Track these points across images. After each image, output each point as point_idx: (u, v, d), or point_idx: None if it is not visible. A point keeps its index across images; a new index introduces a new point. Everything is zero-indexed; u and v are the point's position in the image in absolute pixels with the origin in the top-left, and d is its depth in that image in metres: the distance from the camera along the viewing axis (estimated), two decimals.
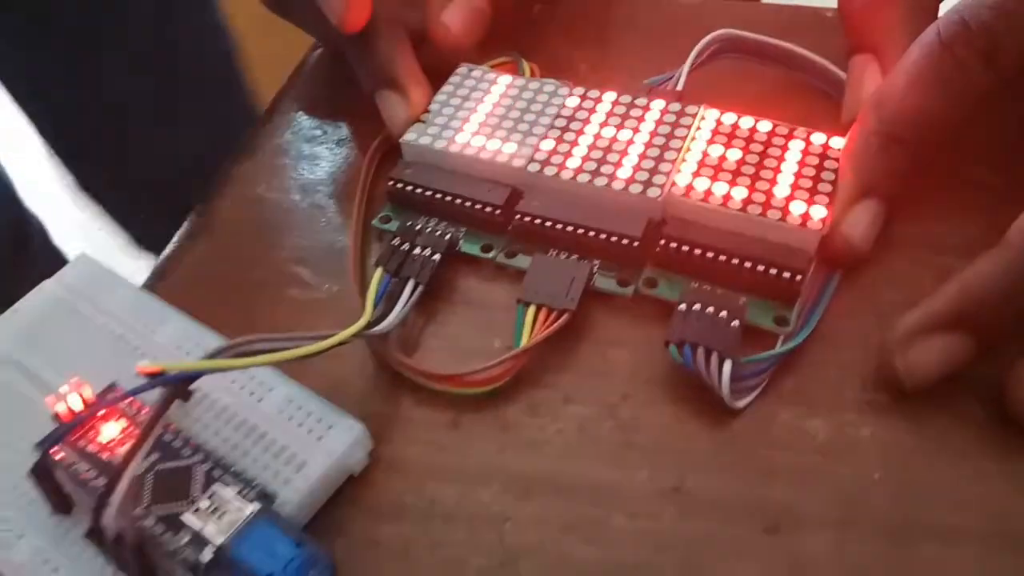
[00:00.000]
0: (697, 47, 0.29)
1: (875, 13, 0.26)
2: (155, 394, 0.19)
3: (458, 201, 0.26)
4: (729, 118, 0.26)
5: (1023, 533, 0.19)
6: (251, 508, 0.18)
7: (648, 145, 0.25)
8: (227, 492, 0.18)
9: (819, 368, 0.22)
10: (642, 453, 0.21)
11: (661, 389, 0.22)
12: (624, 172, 0.25)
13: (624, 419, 0.22)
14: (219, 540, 0.18)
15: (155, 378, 0.19)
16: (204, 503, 0.18)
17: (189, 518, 0.18)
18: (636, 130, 0.26)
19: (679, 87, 0.28)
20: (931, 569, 0.19)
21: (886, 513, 0.20)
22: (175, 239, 0.28)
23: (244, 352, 0.20)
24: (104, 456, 0.20)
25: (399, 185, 0.27)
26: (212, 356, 0.20)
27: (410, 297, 0.24)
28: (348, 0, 0.26)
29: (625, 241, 0.24)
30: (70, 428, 0.19)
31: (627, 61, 0.32)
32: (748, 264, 0.23)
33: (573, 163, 0.25)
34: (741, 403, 0.21)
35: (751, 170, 0.24)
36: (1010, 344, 0.21)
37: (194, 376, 0.19)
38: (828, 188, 0.24)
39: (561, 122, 0.27)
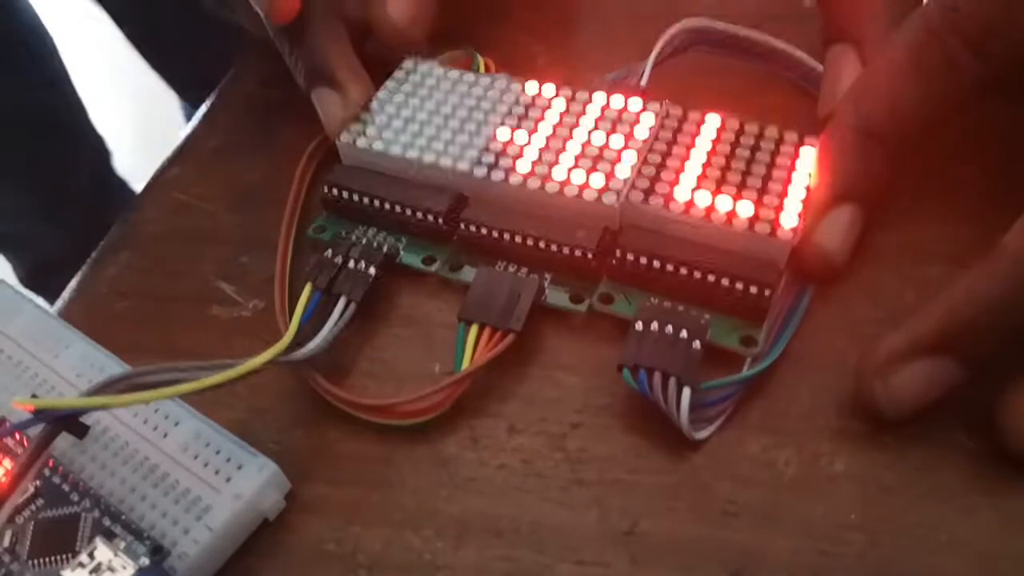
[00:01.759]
0: (663, 39, 0.26)
1: None
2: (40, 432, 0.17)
3: (398, 209, 0.24)
4: (695, 116, 0.24)
5: None
6: (134, 568, 0.16)
7: (604, 147, 0.23)
8: (108, 550, 0.16)
9: (790, 393, 0.20)
10: (592, 491, 0.19)
11: (615, 418, 0.20)
12: (578, 177, 0.22)
13: (573, 451, 0.20)
14: None
15: (37, 414, 0.17)
16: (84, 559, 0.16)
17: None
18: (593, 130, 0.24)
19: (643, 82, 0.26)
20: None
21: (863, 559, 0.17)
22: (96, 250, 0.26)
23: (140, 385, 0.18)
24: None
25: (334, 191, 0.24)
26: (102, 388, 0.17)
27: (340, 316, 0.22)
28: None
29: (579, 253, 0.22)
30: None
31: (590, 54, 0.30)
32: (712, 278, 0.20)
33: (523, 167, 0.23)
34: (702, 434, 0.19)
35: (717, 174, 0.22)
36: (1001, 364, 0.18)
37: (76, 413, 0.17)
38: (801, 193, 0.21)
39: (512, 122, 0.24)
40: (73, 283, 0.25)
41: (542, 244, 0.22)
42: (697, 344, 0.19)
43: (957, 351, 0.18)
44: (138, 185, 0.76)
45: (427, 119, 0.25)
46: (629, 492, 0.19)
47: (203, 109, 0.30)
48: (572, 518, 0.19)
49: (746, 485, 0.19)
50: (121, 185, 0.75)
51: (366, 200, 0.24)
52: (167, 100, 0.76)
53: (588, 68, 0.28)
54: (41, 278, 0.70)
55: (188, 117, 0.73)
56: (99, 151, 0.72)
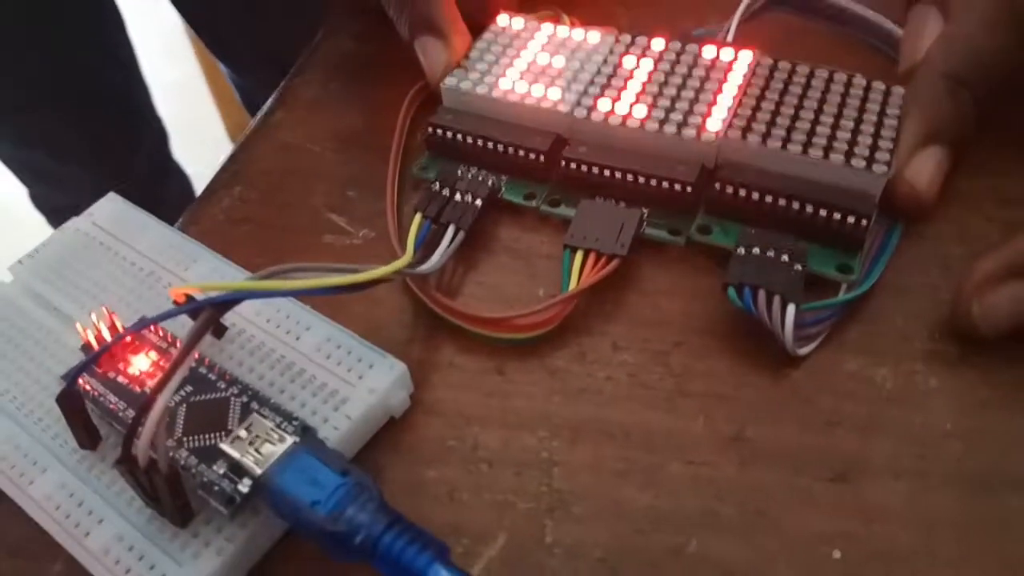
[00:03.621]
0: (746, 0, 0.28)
1: None
2: (190, 326, 0.18)
3: (500, 148, 0.25)
4: (785, 65, 0.25)
5: None
6: (291, 439, 0.17)
7: (699, 91, 0.24)
8: (266, 423, 0.17)
9: (884, 318, 0.21)
10: (698, 401, 0.20)
11: (715, 339, 0.21)
12: (676, 117, 0.24)
13: (677, 368, 0.21)
14: (258, 471, 0.17)
15: (190, 302, 0.18)
16: (242, 433, 0.17)
17: (226, 448, 0.17)
18: (688, 76, 0.25)
19: (729, 38, 0.27)
20: (1015, 519, 0.17)
21: (961, 463, 0.18)
22: (207, 186, 0.27)
23: (282, 278, 0.19)
24: (134, 388, 0.19)
25: (439, 131, 0.26)
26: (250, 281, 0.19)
27: (451, 242, 0.23)
28: None
29: (678, 187, 0.23)
30: (99, 355, 0.19)
31: (670, 16, 0.31)
32: (809, 209, 0.22)
33: (621, 108, 0.24)
34: (804, 350, 0.20)
35: (810, 115, 0.23)
36: None
37: (232, 299, 0.18)
38: (892, 133, 0.23)
39: (608, 69, 0.26)
40: (187, 213, 0.26)
41: (642, 179, 0.23)
42: (799, 267, 0.21)
43: None
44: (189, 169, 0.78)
45: (525, 67, 0.26)
46: (734, 403, 0.20)
47: (295, 66, 0.32)
48: (680, 424, 0.20)
49: (846, 398, 0.20)
50: (178, 169, 0.77)
51: (469, 139, 0.25)
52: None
53: (669, 28, 0.29)
54: None
55: (244, 96, 0.75)
56: (159, 133, 0.74)
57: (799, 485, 0.18)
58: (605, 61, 0.26)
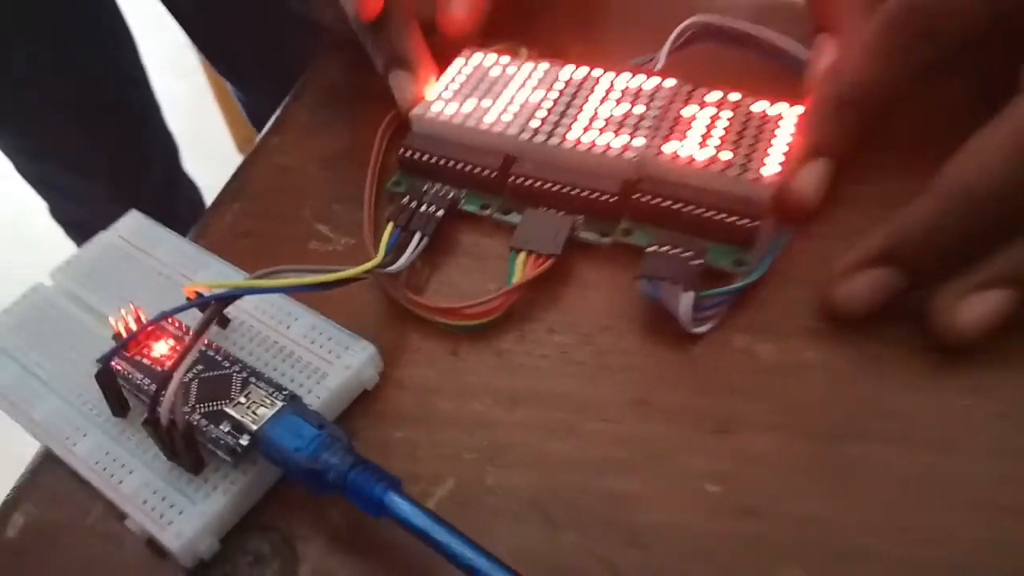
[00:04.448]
0: (675, 31, 0.32)
1: None
2: (200, 317, 0.23)
3: (460, 166, 0.29)
4: (701, 91, 0.29)
5: (944, 437, 0.22)
6: (280, 403, 0.22)
7: (627, 115, 0.29)
8: (261, 392, 0.22)
9: (771, 303, 0.25)
10: (614, 373, 0.24)
11: (632, 322, 0.26)
12: (605, 139, 0.28)
13: (600, 346, 0.25)
14: (254, 427, 0.21)
15: (200, 298, 0.23)
16: (242, 400, 0.22)
17: (230, 411, 0.22)
18: (620, 100, 0.29)
19: (658, 66, 0.32)
20: (860, 463, 0.22)
21: (823, 420, 0.23)
22: (213, 201, 0.32)
23: (274, 278, 0.23)
24: (156, 367, 0.23)
25: (409, 153, 0.30)
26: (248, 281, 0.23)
27: (416, 247, 0.27)
28: None
29: (605, 197, 0.27)
30: (128, 342, 0.23)
31: (613, 46, 0.35)
32: (711, 213, 0.26)
33: (560, 131, 0.29)
34: (700, 329, 0.25)
35: (719, 133, 0.28)
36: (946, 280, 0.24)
37: (233, 295, 0.22)
38: (784, 148, 0.27)
39: (553, 95, 0.30)
40: (196, 227, 0.31)
41: (576, 191, 0.28)
42: (698, 261, 0.25)
43: (898, 262, 0.23)
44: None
45: (483, 95, 0.31)
46: (643, 373, 0.24)
47: (291, 95, 0.36)
48: (598, 392, 0.24)
49: (734, 369, 0.24)
50: (189, 182, 0.83)
51: (434, 160, 0.30)
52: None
53: (614, 57, 0.33)
54: None
55: (248, 111, 0.80)
56: (171, 148, 0.79)
57: (687, 436, 0.23)
58: (551, 88, 0.30)
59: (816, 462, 0.22)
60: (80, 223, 0.79)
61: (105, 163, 0.72)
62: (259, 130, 0.36)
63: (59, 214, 0.80)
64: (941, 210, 0.23)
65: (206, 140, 0.93)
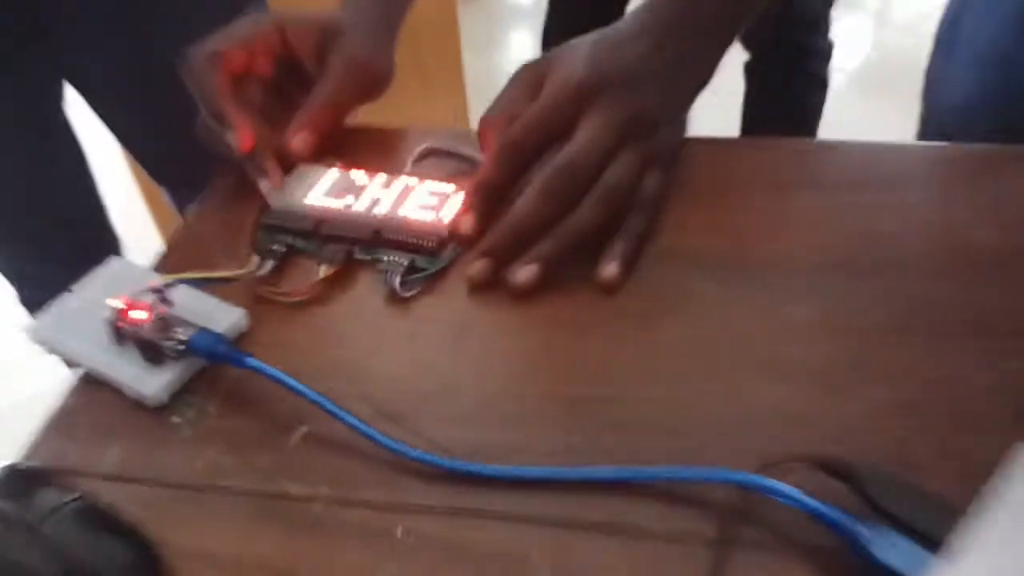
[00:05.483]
0: (417, 150, 0.60)
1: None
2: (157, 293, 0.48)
3: (296, 226, 0.56)
4: (412, 180, 0.57)
5: (591, 380, 0.48)
6: (196, 330, 0.47)
7: (382, 195, 0.56)
8: (189, 328, 0.47)
9: (446, 281, 0.52)
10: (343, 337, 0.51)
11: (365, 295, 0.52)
12: (359, 206, 0.55)
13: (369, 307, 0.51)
14: (185, 338, 0.46)
15: (155, 289, 0.48)
16: (180, 329, 0.47)
17: (177, 333, 0.47)
18: (382, 186, 0.56)
19: (407, 169, 0.59)
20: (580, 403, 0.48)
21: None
22: (163, 250, 0.57)
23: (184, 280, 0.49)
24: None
25: (268, 220, 0.56)
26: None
27: (270, 263, 0.53)
28: (239, 136, 0.56)
29: (364, 235, 0.54)
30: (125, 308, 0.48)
31: (382, 163, 0.63)
32: (412, 240, 0.53)
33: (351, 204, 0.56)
34: (407, 294, 0.51)
35: (424, 199, 0.55)
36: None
37: (171, 284, 0.48)
38: (456, 205, 0.54)
39: (349, 187, 0.57)
40: (158, 261, 0.56)
41: (353, 235, 0.54)
42: (405, 263, 0.52)
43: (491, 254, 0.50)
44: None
45: (308, 189, 0.57)
46: (375, 319, 0.50)
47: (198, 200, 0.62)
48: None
49: (426, 320, 0.50)
50: None
51: (282, 225, 0.56)
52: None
53: (384, 167, 0.61)
54: None
55: (177, 205, 1.05)
56: (115, 243, 1.03)
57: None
58: (349, 185, 0.57)
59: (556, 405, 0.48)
60: (34, 302, 1.02)
61: (59, 251, 0.95)
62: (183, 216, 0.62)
63: (30, 305, 1.02)
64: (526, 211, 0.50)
65: (144, 242, 1.18)
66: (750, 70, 1.63)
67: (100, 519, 0.39)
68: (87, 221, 0.97)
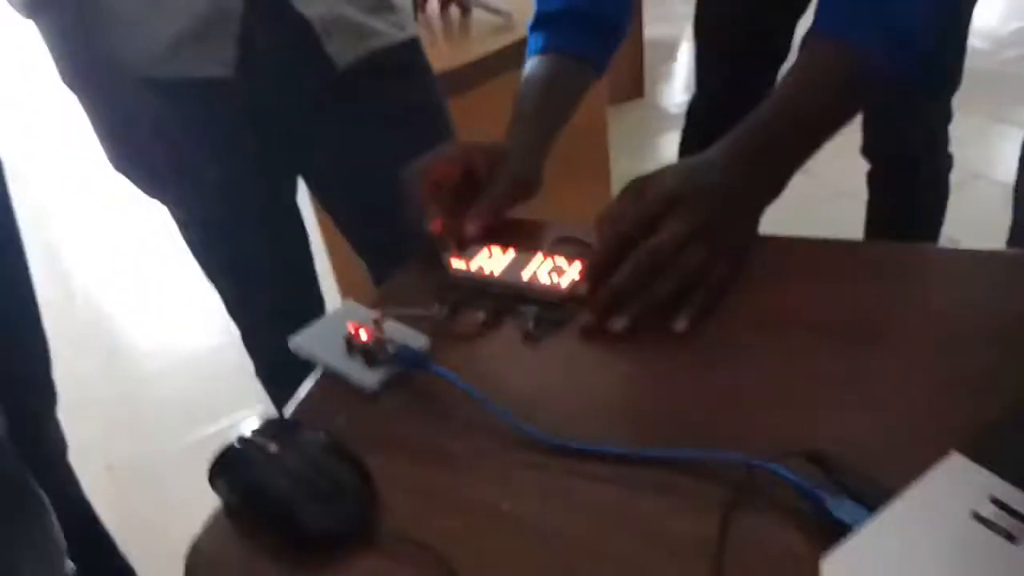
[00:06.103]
0: (551, 237, 0.84)
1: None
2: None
3: (470, 287, 0.80)
4: (555, 258, 0.80)
5: (657, 399, 0.70)
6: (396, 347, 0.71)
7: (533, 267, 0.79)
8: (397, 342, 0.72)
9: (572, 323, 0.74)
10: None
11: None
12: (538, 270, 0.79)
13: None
14: (393, 352, 0.70)
15: (374, 320, 0.73)
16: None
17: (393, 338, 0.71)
18: (526, 262, 0.80)
19: (543, 250, 0.83)
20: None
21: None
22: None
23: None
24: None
25: (450, 280, 0.81)
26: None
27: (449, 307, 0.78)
28: (433, 223, 0.82)
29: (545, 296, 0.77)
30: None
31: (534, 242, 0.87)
32: (544, 298, 0.75)
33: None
34: (538, 335, 0.73)
35: (549, 268, 0.78)
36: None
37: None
38: (574, 276, 0.76)
39: (508, 260, 0.81)
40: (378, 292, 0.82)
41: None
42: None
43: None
44: None
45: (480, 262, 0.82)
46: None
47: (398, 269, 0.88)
48: None
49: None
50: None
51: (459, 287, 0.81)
52: None
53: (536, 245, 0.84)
54: None
55: (373, 274, 1.34)
56: (321, 302, 1.33)
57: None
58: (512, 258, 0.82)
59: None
60: None
61: None
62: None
63: None
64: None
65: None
66: (872, 179, 1.78)
67: (336, 452, 0.63)
68: (307, 287, 1.27)
